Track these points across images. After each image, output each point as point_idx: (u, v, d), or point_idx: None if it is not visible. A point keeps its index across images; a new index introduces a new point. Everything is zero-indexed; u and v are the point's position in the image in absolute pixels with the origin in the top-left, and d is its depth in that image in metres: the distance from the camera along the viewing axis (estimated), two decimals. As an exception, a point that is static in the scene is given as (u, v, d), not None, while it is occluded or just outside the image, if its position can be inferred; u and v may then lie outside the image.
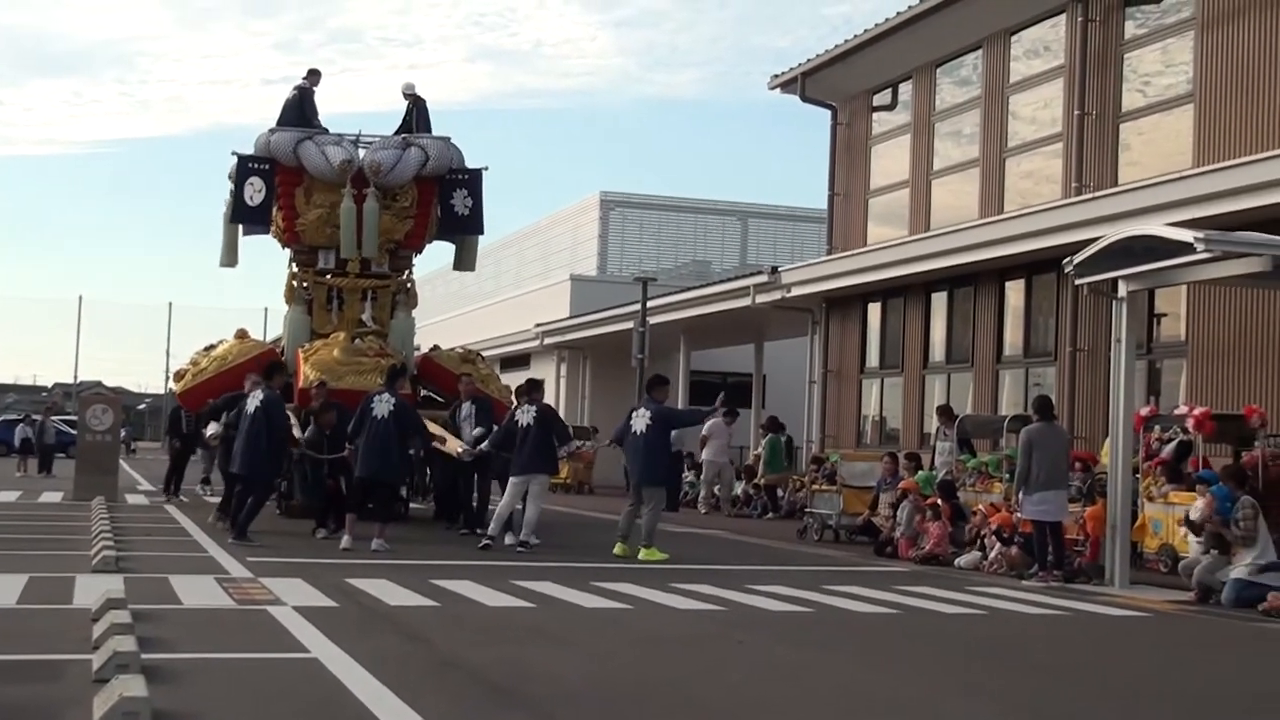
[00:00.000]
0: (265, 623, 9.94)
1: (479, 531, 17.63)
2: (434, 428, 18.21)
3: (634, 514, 16.68)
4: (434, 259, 60.80)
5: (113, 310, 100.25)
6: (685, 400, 32.26)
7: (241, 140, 23.30)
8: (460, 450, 17.52)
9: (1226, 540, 13.63)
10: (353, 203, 20.78)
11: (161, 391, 64.64)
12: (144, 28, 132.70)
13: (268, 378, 17.43)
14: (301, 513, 18.92)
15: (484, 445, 17.44)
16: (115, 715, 6.12)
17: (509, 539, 16.64)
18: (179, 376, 22.59)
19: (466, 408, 18.64)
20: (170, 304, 70.93)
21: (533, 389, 17.57)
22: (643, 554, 16.05)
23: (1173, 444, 16.52)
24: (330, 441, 17.62)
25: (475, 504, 18.76)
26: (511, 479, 16.87)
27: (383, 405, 16.46)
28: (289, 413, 18.02)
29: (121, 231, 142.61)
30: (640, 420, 16.69)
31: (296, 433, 17.71)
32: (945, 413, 21.00)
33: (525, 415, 16.85)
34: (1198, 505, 14.25)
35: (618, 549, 16.32)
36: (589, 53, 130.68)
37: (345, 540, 15.98)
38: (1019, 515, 15.63)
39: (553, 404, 39.17)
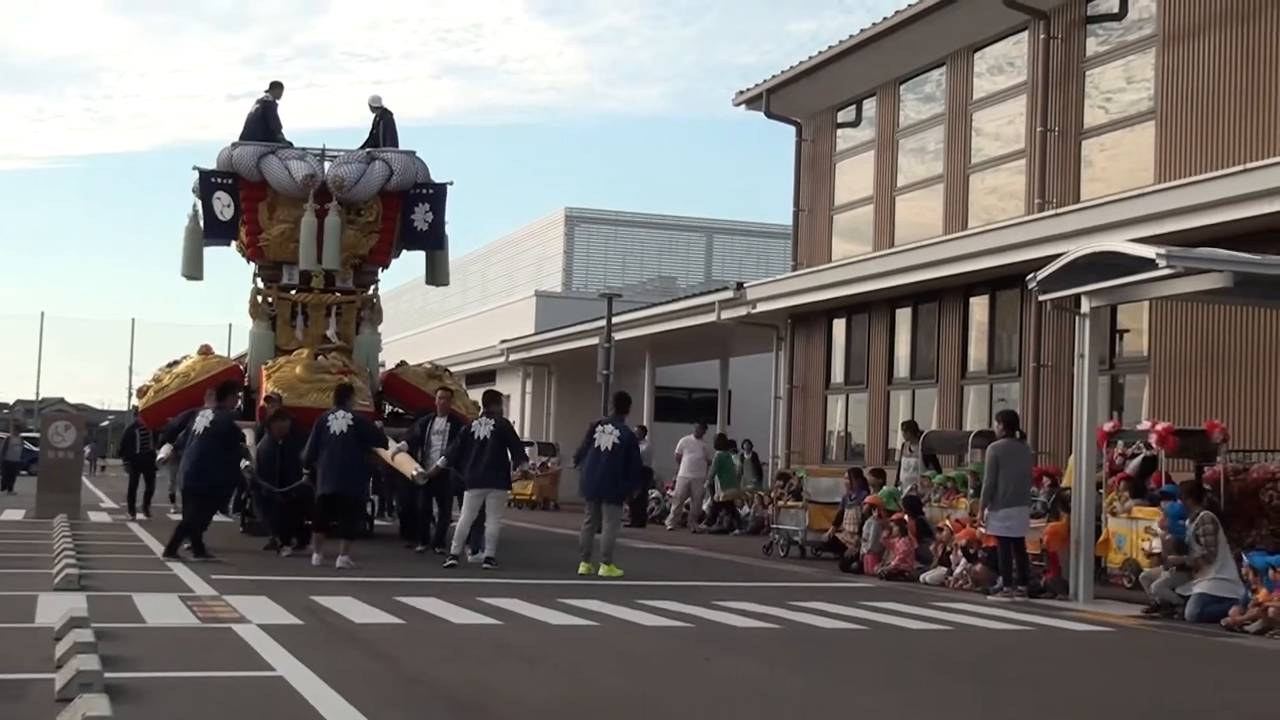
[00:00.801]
0: (230, 641, 9.89)
1: (439, 550, 17.57)
2: (385, 453, 18.12)
3: (593, 530, 16.62)
4: (399, 274, 60.68)
5: (75, 326, 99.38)
6: (651, 415, 32.29)
7: (208, 156, 23.17)
8: (415, 473, 17.40)
9: (1187, 563, 13.69)
10: (314, 216, 20.69)
11: (125, 408, 64.10)
12: (108, 42, 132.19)
13: (221, 397, 17.33)
14: (263, 530, 18.81)
15: (440, 461, 17.35)
16: (79, 735, 6.07)
17: (470, 556, 16.58)
18: (142, 393, 22.45)
19: (440, 423, 18.39)
20: (134, 320, 70.40)
21: (492, 401, 17.45)
22: (603, 570, 16.04)
23: (1137, 459, 16.62)
24: (284, 452, 17.54)
25: (436, 522, 18.67)
26: (466, 493, 16.76)
27: (339, 422, 16.49)
28: (242, 431, 17.89)
29: (85, 247, 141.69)
30: (608, 437, 16.53)
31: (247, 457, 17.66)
32: (910, 428, 21.07)
33: (482, 428, 16.73)
34: (1156, 541, 14.28)
35: (583, 568, 16.21)
36: (554, 69, 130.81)
37: (315, 558, 16.01)
38: (983, 530, 15.69)
39: (518, 420, 39.27)
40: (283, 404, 18.60)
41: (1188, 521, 13.81)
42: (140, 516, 23.67)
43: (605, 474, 16.50)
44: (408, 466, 17.58)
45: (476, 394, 21.72)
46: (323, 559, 15.91)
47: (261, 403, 19.32)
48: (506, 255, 51.23)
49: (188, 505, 17.03)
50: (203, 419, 16.79)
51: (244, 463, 17.55)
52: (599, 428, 16.80)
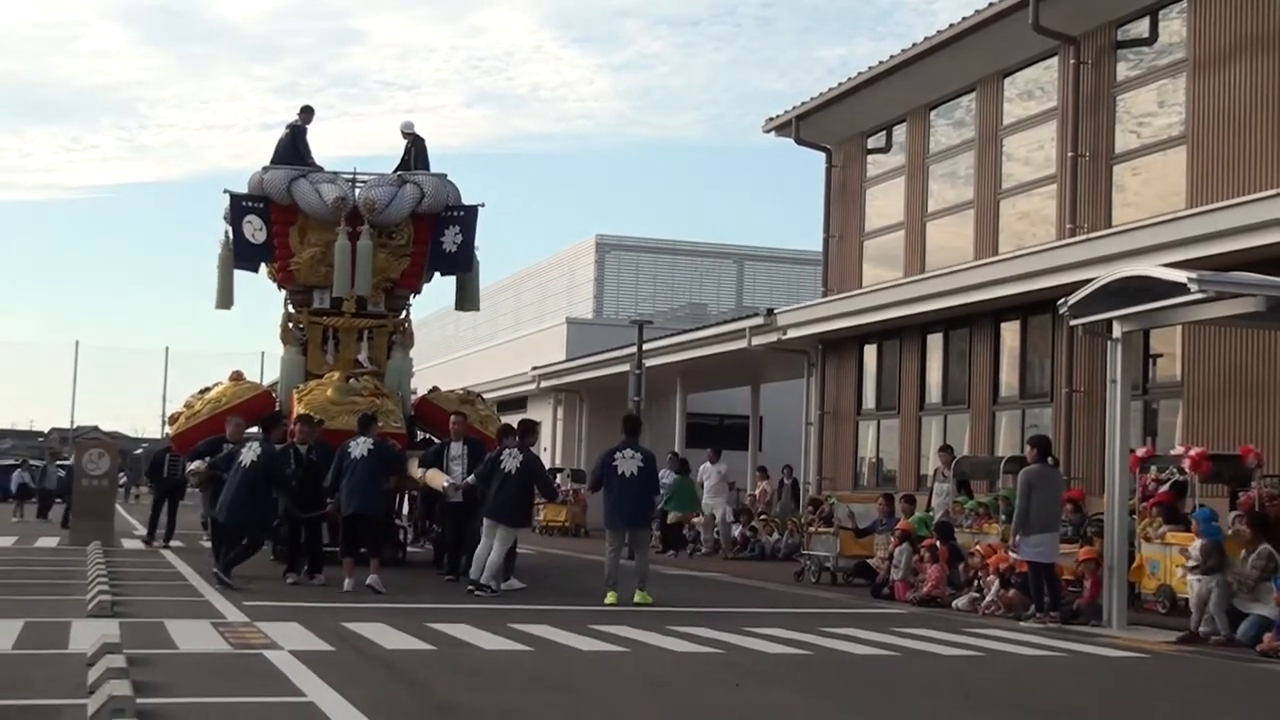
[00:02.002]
0: (261, 667, 9.92)
1: (462, 578, 17.52)
2: (416, 472, 18.04)
3: (618, 558, 16.30)
4: (431, 301, 60.87)
5: (110, 355, 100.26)
6: (683, 442, 32.25)
7: (241, 185, 23.16)
8: (445, 484, 17.28)
9: (1223, 557, 13.61)
10: (347, 240, 20.70)
11: (158, 436, 64.35)
12: (143, 74, 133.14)
13: (266, 431, 17.33)
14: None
15: (469, 479, 17.09)
16: (110, 760, 6.10)
17: (502, 584, 16.39)
18: (173, 420, 22.49)
19: (457, 447, 18.19)
20: (167, 348, 70.73)
21: (526, 433, 17.19)
22: (638, 597, 15.79)
23: (1167, 484, 16.53)
24: (313, 465, 17.40)
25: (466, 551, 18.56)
26: (485, 521, 16.55)
27: (360, 447, 16.62)
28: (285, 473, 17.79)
29: (119, 276, 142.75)
30: (630, 462, 16.22)
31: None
32: (946, 452, 21.00)
33: (510, 461, 16.48)
34: (1194, 555, 14.18)
35: (611, 598, 15.78)
36: (586, 96, 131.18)
37: (347, 584, 16.03)
38: (1014, 556, 15.61)
39: (549, 447, 39.25)
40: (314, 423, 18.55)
41: (1244, 552, 13.73)
42: (174, 543, 23.66)
43: (633, 500, 16.29)
44: (438, 480, 17.49)
45: (507, 421, 21.69)
46: (355, 585, 15.96)
47: (292, 426, 19.26)
48: (538, 282, 51.39)
49: (230, 537, 16.85)
50: (249, 453, 16.75)
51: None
52: (618, 454, 16.42)
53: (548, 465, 28.44)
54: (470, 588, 16.16)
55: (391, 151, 22.48)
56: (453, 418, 19.03)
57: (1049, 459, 15.81)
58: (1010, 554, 15.67)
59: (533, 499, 16.84)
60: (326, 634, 11.75)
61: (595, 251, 47.20)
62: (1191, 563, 14.13)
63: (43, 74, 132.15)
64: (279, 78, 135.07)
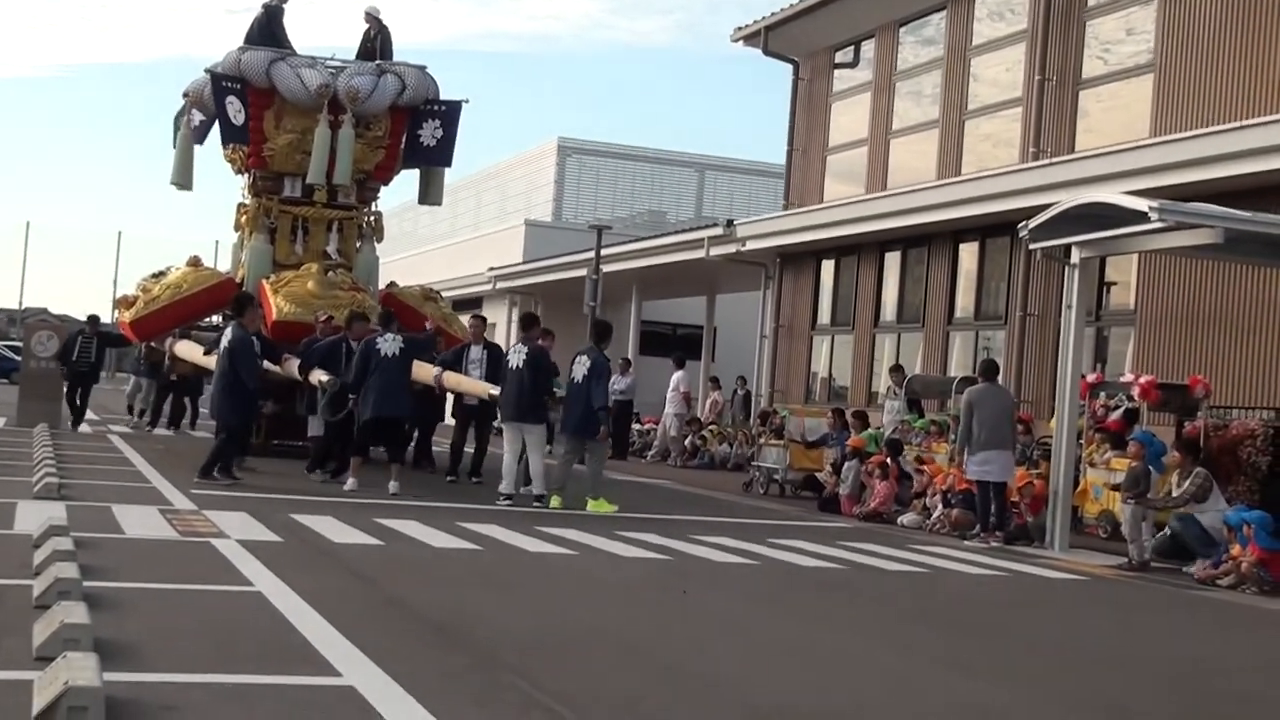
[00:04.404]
0: (208, 555, 9.93)
1: (475, 480, 17.54)
2: (455, 376, 17.59)
3: (570, 463, 16.18)
4: (388, 197, 60.32)
5: (61, 237, 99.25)
6: (636, 349, 32.28)
7: (203, 69, 22.73)
8: (493, 393, 16.53)
9: (1149, 482, 13.85)
10: (329, 129, 20.37)
11: (108, 320, 63.84)
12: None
13: (239, 313, 16.18)
14: (260, 453, 18.53)
15: (493, 390, 16.59)
16: (56, 641, 6.10)
17: (521, 489, 16.01)
18: (128, 304, 21.93)
19: (476, 350, 17.91)
20: (120, 233, 70.09)
21: (528, 326, 16.61)
22: (590, 506, 15.61)
23: (1119, 411, 16.70)
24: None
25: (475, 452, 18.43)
26: (505, 426, 16.15)
27: (390, 344, 15.82)
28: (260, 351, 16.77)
29: (73, 157, 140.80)
30: (580, 368, 15.88)
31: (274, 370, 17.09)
32: (898, 372, 21.13)
33: (516, 356, 16.03)
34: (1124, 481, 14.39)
35: (555, 502, 15.65)
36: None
37: (351, 483, 15.71)
38: (954, 474, 15.75)
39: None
40: (329, 320, 18.07)
41: (1180, 474, 13.92)
42: (84, 428, 23.42)
43: (584, 407, 15.82)
44: (480, 389, 17.02)
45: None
46: (357, 484, 15.66)
47: (275, 318, 18.67)
48: (498, 183, 51.05)
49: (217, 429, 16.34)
50: (223, 340, 16.05)
51: (323, 376, 16.48)
52: (576, 359, 16.14)
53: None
54: (503, 500, 15.58)
55: (353, 44, 22.03)
56: (471, 322, 18.80)
57: (994, 380, 15.89)
58: (960, 472, 15.80)
59: (544, 395, 16.44)
60: (275, 525, 11.77)
61: (557, 154, 46.89)
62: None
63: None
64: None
